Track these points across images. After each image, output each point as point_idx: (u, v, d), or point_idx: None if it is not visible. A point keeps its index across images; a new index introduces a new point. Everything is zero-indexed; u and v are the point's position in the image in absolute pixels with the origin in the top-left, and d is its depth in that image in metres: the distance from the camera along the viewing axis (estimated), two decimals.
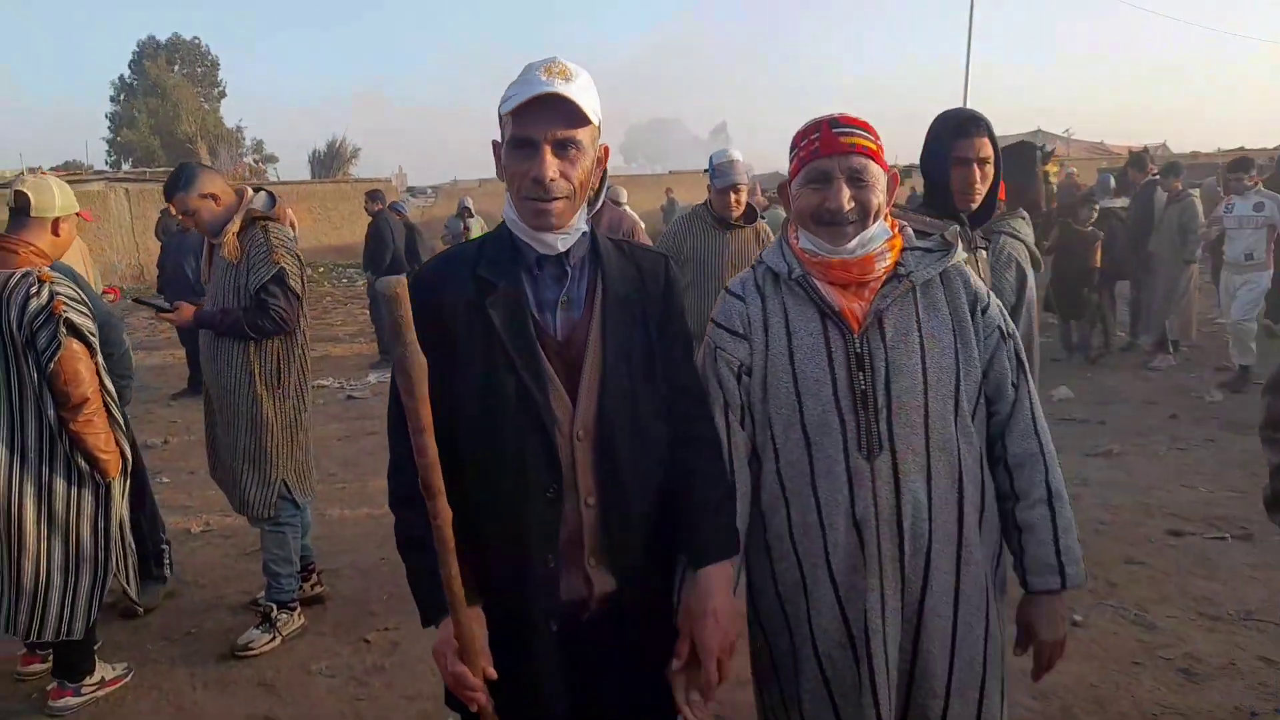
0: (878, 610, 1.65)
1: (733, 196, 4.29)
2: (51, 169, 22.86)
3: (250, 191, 3.62)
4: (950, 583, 1.68)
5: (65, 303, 2.95)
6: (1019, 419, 1.73)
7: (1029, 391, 1.75)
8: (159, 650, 3.69)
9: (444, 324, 1.56)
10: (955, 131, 2.55)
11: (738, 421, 1.75)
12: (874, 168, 1.66)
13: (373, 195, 10.45)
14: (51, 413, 2.97)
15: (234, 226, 3.45)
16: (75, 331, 2.96)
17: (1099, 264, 8.68)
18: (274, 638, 3.62)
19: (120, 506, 3.18)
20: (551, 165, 1.51)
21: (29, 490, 2.98)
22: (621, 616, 1.63)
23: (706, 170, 4.37)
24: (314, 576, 4.05)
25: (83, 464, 3.03)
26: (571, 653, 1.61)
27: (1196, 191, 8.71)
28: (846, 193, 1.65)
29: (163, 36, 45.77)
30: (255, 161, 43.13)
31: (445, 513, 1.38)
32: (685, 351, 1.76)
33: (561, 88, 1.49)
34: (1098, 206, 8.94)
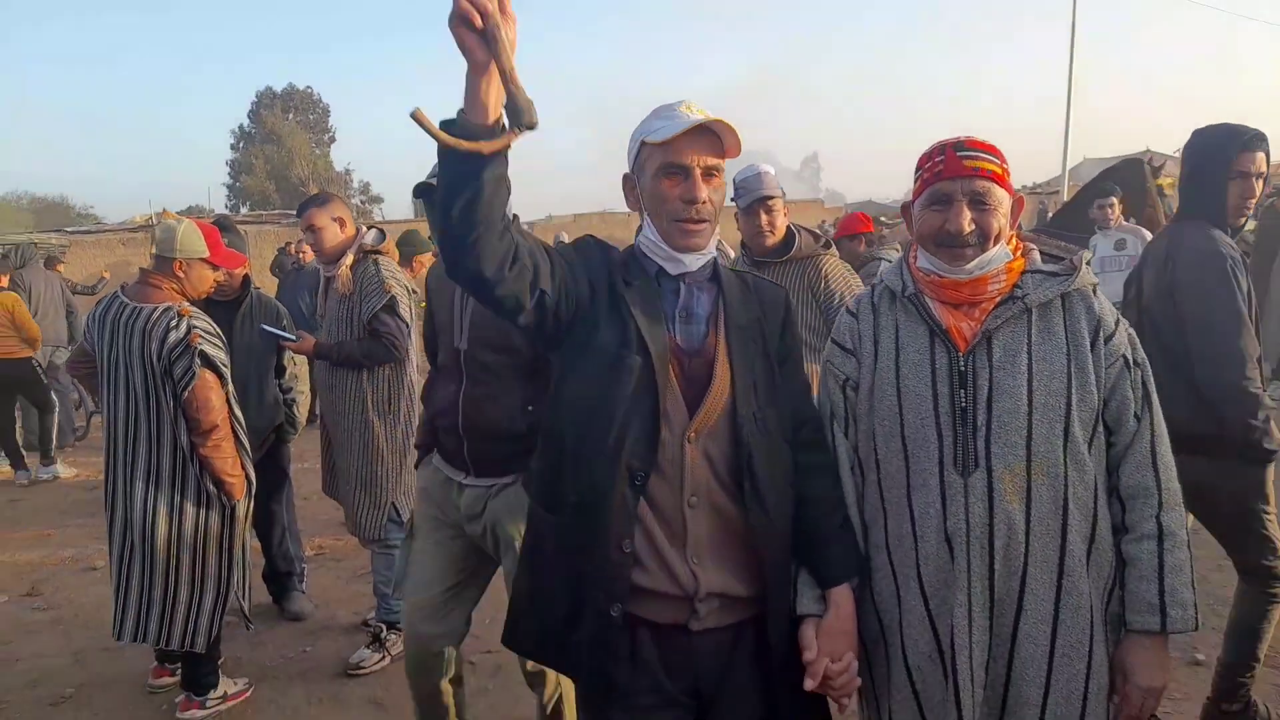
0: (964, 626, 1.64)
1: (763, 217, 3.26)
2: (177, 214, 24.39)
3: (365, 229, 3.81)
4: (1048, 611, 1.64)
5: (201, 335, 3.17)
6: (1137, 450, 1.68)
7: (1153, 423, 1.69)
8: (277, 668, 3.86)
9: (602, 282, 1.69)
10: (1242, 144, 2.61)
11: (842, 432, 1.82)
12: (997, 191, 1.67)
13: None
14: (185, 438, 3.18)
15: (348, 260, 3.64)
16: (209, 362, 3.17)
17: None
18: (383, 657, 3.75)
19: (244, 529, 3.37)
20: (704, 188, 1.65)
21: (161, 509, 3.20)
22: (755, 635, 1.69)
23: (733, 199, 3.27)
24: None
25: (211, 487, 3.23)
26: (685, 656, 1.65)
27: None
28: (967, 215, 1.66)
29: (279, 87, 48.52)
30: (363, 202, 45.12)
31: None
32: (805, 383, 1.87)
33: (720, 122, 1.63)
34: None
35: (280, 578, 4.39)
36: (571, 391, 1.68)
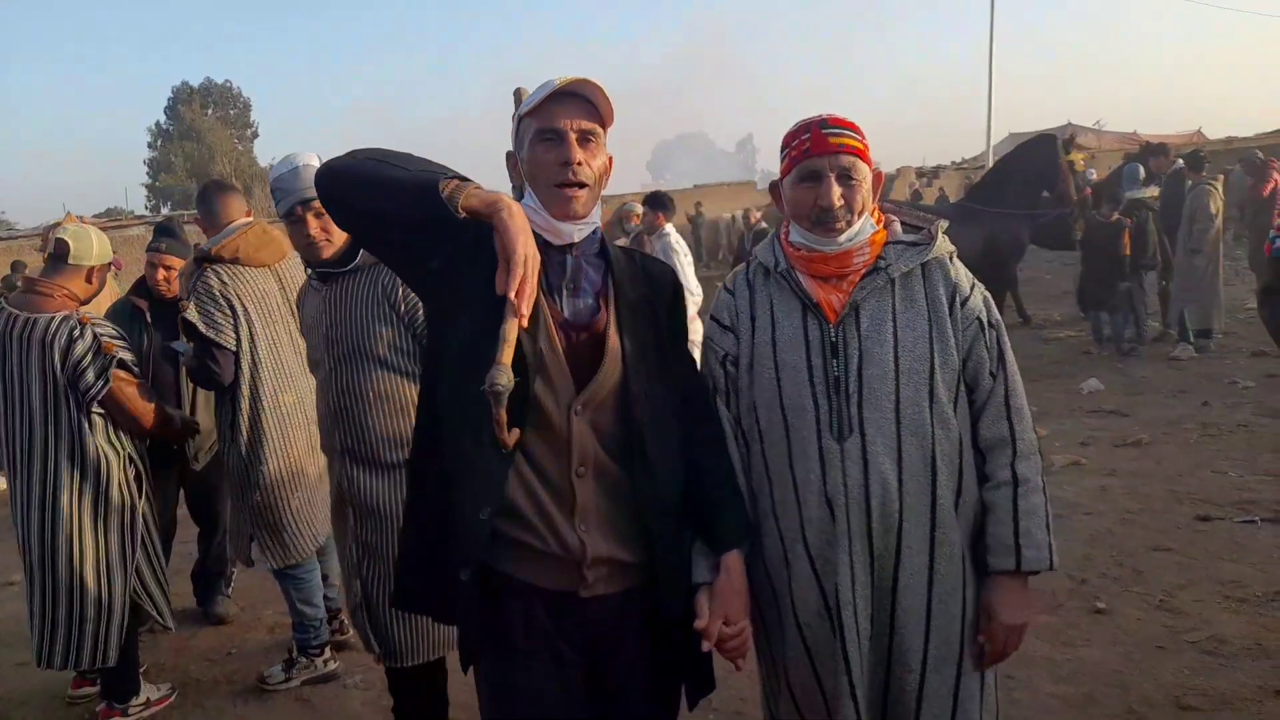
0: (848, 583, 1.73)
1: (312, 222, 2.49)
2: (94, 216, 23.60)
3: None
4: (924, 562, 1.73)
5: (116, 344, 3.13)
6: (993, 404, 1.79)
7: (1007, 379, 1.80)
8: (201, 670, 3.82)
9: (479, 259, 1.61)
10: None
11: (724, 405, 1.88)
12: (861, 166, 1.75)
13: None
14: (93, 448, 3.10)
15: (186, 267, 3.49)
16: (124, 366, 3.14)
17: (1128, 253, 8.60)
18: (289, 679, 3.56)
19: (147, 540, 3.31)
20: (578, 151, 1.64)
21: (61, 532, 3.10)
22: (643, 602, 1.72)
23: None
24: (334, 622, 3.94)
25: (115, 497, 3.16)
26: (577, 621, 1.69)
27: (1220, 179, 8.60)
28: (837, 190, 1.74)
29: (196, 81, 47.13)
30: None
31: None
32: (691, 357, 1.90)
33: (581, 86, 1.64)
34: (1125, 199, 8.85)
35: (209, 579, 4.33)
36: (444, 362, 1.70)
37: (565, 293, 1.70)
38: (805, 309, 1.79)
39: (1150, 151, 10.26)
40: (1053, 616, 3.55)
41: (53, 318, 3.07)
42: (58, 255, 3.18)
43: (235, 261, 3.27)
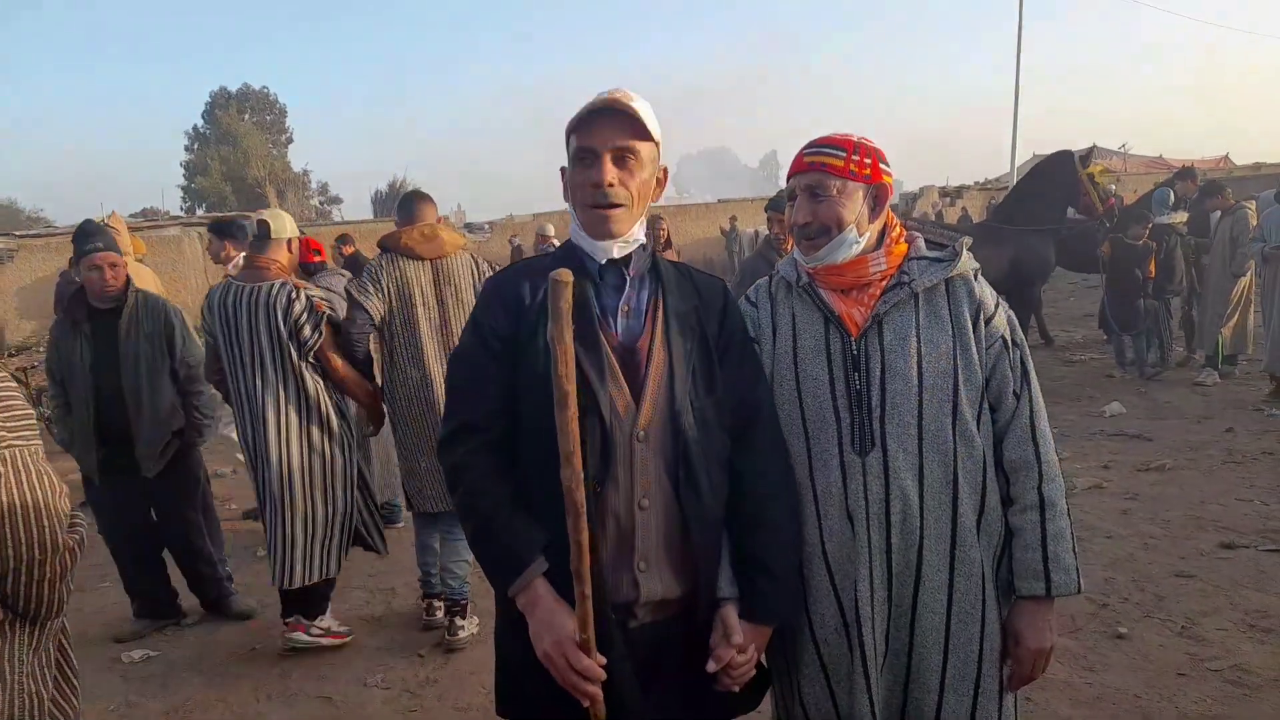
0: (867, 598, 1.72)
1: None
2: (130, 216, 23.98)
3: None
4: (944, 580, 1.73)
5: (322, 303, 3.71)
6: (1017, 425, 1.78)
7: (1030, 400, 1.78)
8: (224, 666, 3.88)
9: (517, 317, 1.68)
10: None
11: None
12: (830, 182, 1.75)
13: (343, 238, 13.00)
14: (311, 388, 3.68)
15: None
16: (332, 323, 3.73)
17: (1153, 276, 8.53)
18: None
19: (361, 467, 3.93)
20: (610, 171, 1.63)
21: (295, 459, 3.67)
22: (686, 622, 1.67)
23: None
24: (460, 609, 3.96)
25: (336, 429, 3.75)
26: (624, 656, 1.61)
27: (1251, 204, 8.51)
28: (804, 208, 1.78)
29: (233, 87, 47.87)
30: (321, 203, 44.68)
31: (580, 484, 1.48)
32: (753, 371, 1.81)
33: (620, 101, 1.63)
34: (1150, 222, 8.78)
35: (216, 583, 4.40)
36: (527, 421, 1.66)
37: (620, 315, 1.69)
38: (827, 322, 1.80)
39: (1178, 176, 10.19)
40: (1072, 640, 3.53)
41: (273, 284, 3.66)
42: (261, 235, 3.79)
43: (398, 251, 3.79)
